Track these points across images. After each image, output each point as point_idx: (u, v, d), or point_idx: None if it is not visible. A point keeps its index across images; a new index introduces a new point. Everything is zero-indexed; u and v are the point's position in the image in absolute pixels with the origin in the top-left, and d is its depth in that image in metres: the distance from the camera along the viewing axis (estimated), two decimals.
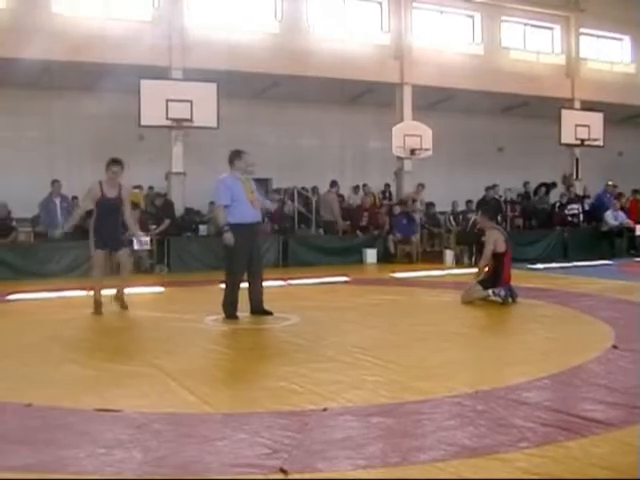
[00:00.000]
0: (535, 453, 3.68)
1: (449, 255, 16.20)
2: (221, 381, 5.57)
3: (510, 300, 9.37)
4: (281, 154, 20.01)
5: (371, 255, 16.36)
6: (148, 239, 9.61)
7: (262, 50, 17.29)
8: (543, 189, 20.22)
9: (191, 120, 15.40)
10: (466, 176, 20.83)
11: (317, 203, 17.79)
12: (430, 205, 19.26)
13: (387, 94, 19.07)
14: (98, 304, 8.71)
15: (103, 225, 8.66)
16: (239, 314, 8.34)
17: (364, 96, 20.01)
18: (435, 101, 20.38)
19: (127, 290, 9.20)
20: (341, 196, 19.36)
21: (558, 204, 19.09)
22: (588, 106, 20.73)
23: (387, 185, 20.05)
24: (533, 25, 22.07)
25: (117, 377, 5.53)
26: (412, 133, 18.03)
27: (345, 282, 12.68)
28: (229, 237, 8.22)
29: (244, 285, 8.50)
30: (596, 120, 19.84)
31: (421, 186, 18.44)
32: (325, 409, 4.49)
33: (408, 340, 7.09)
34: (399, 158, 18.73)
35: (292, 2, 18.44)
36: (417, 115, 18.80)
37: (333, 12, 19.22)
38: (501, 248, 9.67)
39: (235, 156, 8.49)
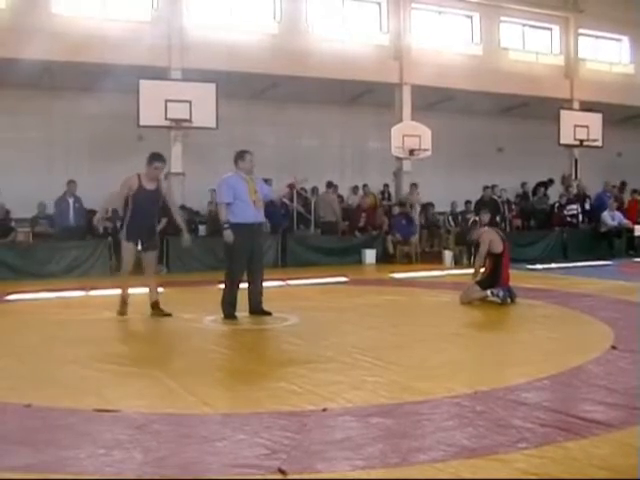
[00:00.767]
0: (534, 454, 3.68)
1: (448, 256, 16.21)
2: (220, 381, 5.57)
3: (509, 300, 9.38)
4: (280, 154, 19.99)
5: (370, 255, 16.36)
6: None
7: (261, 50, 17.29)
8: (542, 190, 20.24)
9: (190, 120, 15.40)
10: (465, 176, 20.83)
11: (316, 204, 17.80)
12: (429, 205, 19.26)
13: (386, 94, 19.07)
14: (124, 304, 8.47)
15: (138, 219, 8.36)
16: (238, 314, 8.34)
17: (363, 96, 20.01)
18: (434, 101, 20.38)
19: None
20: (340, 196, 19.41)
21: (557, 204, 19.10)
22: (587, 107, 20.74)
23: (386, 185, 20.06)
24: (532, 26, 22.07)
25: (117, 377, 5.54)
26: (411, 133, 18.03)
27: (344, 282, 12.69)
28: (228, 234, 8.24)
29: (244, 285, 8.51)
30: (595, 121, 19.85)
31: (415, 186, 18.39)
32: (324, 410, 4.50)
33: (407, 341, 7.10)
34: (398, 158, 18.73)
35: (291, 3, 18.44)
36: (416, 115, 18.80)
37: (332, 13, 19.22)
38: (498, 248, 9.66)
39: (238, 157, 8.55)
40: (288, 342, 6.98)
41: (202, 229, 16.31)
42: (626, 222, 18.01)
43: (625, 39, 23.55)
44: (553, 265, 15.35)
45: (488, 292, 9.46)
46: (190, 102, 15.22)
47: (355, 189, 19.66)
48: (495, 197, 18.50)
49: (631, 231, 17.85)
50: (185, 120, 15.40)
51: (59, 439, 4.02)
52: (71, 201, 15.06)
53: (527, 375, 5.36)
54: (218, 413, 4.53)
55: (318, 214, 17.78)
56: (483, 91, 19.54)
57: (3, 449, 3.87)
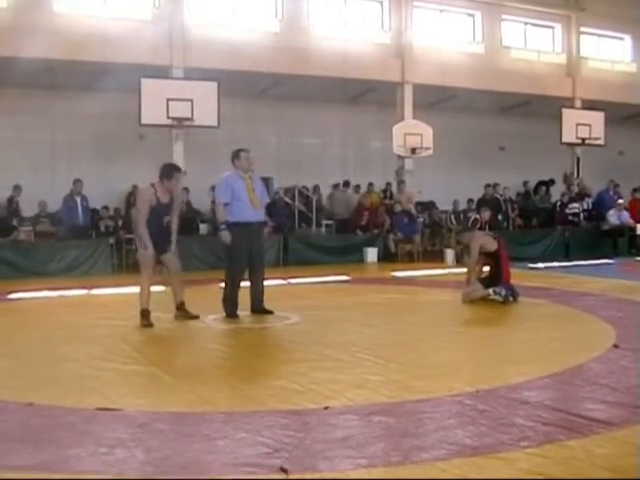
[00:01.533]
0: (536, 452, 3.68)
1: (450, 254, 16.19)
2: (222, 380, 5.57)
3: (511, 299, 9.37)
4: (282, 153, 20.02)
5: (372, 254, 16.35)
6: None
7: (263, 49, 17.29)
8: (543, 188, 20.25)
9: (192, 119, 15.39)
10: (467, 175, 20.81)
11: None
12: (432, 204, 19.26)
13: (388, 93, 19.06)
14: (146, 314, 7.89)
15: (152, 229, 7.95)
16: (240, 313, 8.35)
17: (365, 95, 20.00)
18: (436, 100, 20.37)
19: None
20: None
21: (559, 203, 19.09)
22: (589, 105, 20.74)
23: (388, 184, 20.04)
24: (534, 24, 22.06)
25: (119, 376, 5.54)
26: (413, 132, 18.03)
27: (346, 281, 12.68)
28: (225, 235, 8.26)
29: (245, 284, 8.51)
30: (597, 119, 19.83)
31: (403, 183, 18.32)
32: (326, 408, 4.50)
33: (409, 339, 7.09)
34: (400, 157, 18.73)
35: (293, 1, 18.45)
36: (418, 114, 18.80)
37: (334, 11, 19.21)
38: (492, 246, 9.66)
39: (234, 156, 8.53)
40: (290, 341, 6.98)
41: (203, 228, 16.31)
42: (630, 221, 17.96)
43: (627, 37, 23.53)
44: (555, 264, 15.33)
45: (490, 291, 9.46)
46: (192, 101, 15.22)
47: (357, 188, 19.63)
48: (497, 195, 18.49)
49: (633, 230, 17.82)
50: (187, 119, 15.40)
51: (61, 438, 4.03)
52: (78, 199, 15.18)
53: (529, 374, 5.36)
54: (220, 412, 4.53)
55: (333, 211, 17.76)
56: (485, 89, 19.53)
57: (5, 448, 3.87)
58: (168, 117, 15.24)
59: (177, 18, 16.76)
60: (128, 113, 15.29)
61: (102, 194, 16.79)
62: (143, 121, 15.14)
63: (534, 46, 21.94)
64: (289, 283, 12.26)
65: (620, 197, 19.10)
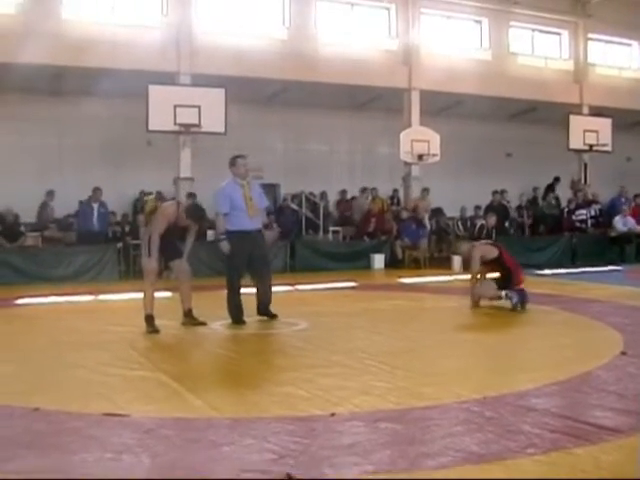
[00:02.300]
0: (543, 460, 3.66)
1: (457, 261, 16.15)
2: (228, 386, 5.57)
3: (519, 308, 9.29)
4: (289, 159, 20.03)
5: (379, 260, 16.34)
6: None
7: (270, 56, 17.31)
8: (551, 195, 20.22)
9: (199, 126, 15.43)
10: (474, 182, 20.77)
11: (325, 208, 17.81)
12: (439, 211, 19.24)
13: (395, 99, 19.06)
14: (150, 319, 7.89)
15: (163, 243, 7.91)
16: (246, 319, 8.36)
17: (372, 102, 20.00)
18: (443, 106, 20.35)
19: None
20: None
21: (566, 210, 19.05)
22: (596, 111, 20.70)
23: (395, 190, 20.05)
24: (541, 30, 22.01)
25: (125, 382, 5.54)
26: (420, 138, 18.04)
27: (353, 287, 12.68)
28: (224, 245, 8.36)
29: (251, 290, 8.54)
30: (604, 125, 19.80)
31: (426, 191, 18.44)
32: (332, 415, 4.49)
33: (416, 346, 7.08)
34: (407, 163, 18.73)
35: (300, 8, 18.47)
36: (425, 120, 18.79)
37: (341, 18, 19.24)
38: (492, 254, 9.63)
39: (231, 163, 8.62)
40: (296, 347, 6.98)
41: (211, 234, 16.31)
42: (637, 227, 17.90)
43: (635, 44, 23.47)
44: (562, 270, 15.29)
45: (502, 293, 9.39)
46: (199, 107, 15.26)
47: (364, 191, 19.64)
48: (504, 202, 18.45)
49: None
50: (194, 125, 15.43)
51: (67, 443, 4.03)
52: (96, 206, 15.37)
53: (536, 381, 5.34)
54: (226, 418, 4.52)
55: (354, 217, 17.75)
56: (492, 96, 19.51)
57: (11, 453, 3.87)
58: (175, 123, 15.28)
59: (185, 24, 16.80)
60: (135, 119, 15.33)
61: (109, 200, 16.80)
62: (150, 127, 15.18)
63: (541, 52, 21.90)
64: (296, 289, 12.26)
65: (631, 202, 19.08)
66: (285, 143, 20.36)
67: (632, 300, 10.13)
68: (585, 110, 21.29)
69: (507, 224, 17.86)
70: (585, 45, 22.09)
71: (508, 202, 18.73)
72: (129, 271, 14.58)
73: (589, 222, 18.70)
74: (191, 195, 15.80)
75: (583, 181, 20.72)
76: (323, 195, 19.34)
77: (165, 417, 4.52)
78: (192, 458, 3.75)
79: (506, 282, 9.50)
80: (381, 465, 3.65)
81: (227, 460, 3.74)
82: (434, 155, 18.09)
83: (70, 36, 15.38)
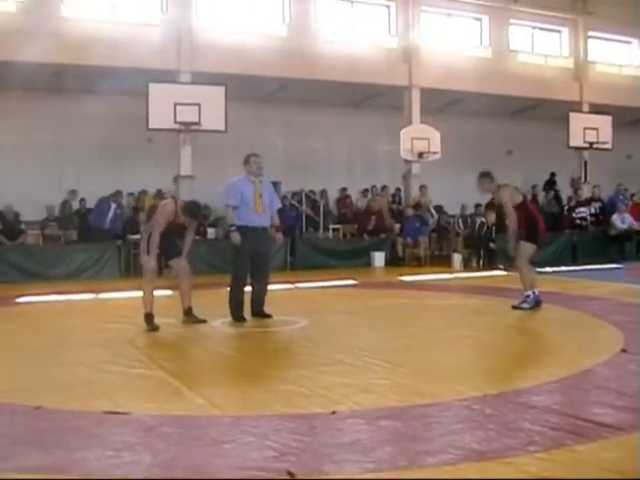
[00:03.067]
0: (544, 457, 3.66)
1: (457, 259, 16.18)
2: (229, 384, 5.57)
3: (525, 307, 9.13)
4: (289, 157, 20.02)
5: (379, 258, 16.34)
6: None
7: (270, 53, 17.31)
8: (552, 193, 20.22)
9: (199, 123, 15.43)
10: (474, 179, 20.69)
11: (325, 206, 17.80)
12: (437, 208, 19.24)
13: (395, 97, 19.07)
14: (150, 317, 7.91)
15: (163, 240, 7.94)
16: (245, 316, 8.37)
17: (372, 99, 20.00)
18: (443, 104, 20.36)
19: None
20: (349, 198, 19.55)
21: (567, 207, 19.05)
22: (596, 109, 20.69)
23: (398, 189, 20.04)
24: (541, 28, 22.04)
25: (126, 380, 5.55)
26: (420, 136, 18.04)
27: (353, 285, 12.68)
28: (235, 236, 8.33)
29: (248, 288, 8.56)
30: (604, 123, 19.80)
31: (425, 188, 18.46)
32: (333, 412, 4.49)
33: (416, 343, 7.08)
34: (407, 161, 18.73)
35: (300, 5, 18.47)
36: (425, 118, 18.79)
37: (341, 15, 19.23)
38: (518, 199, 9.32)
39: (245, 161, 8.65)
40: (297, 344, 6.98)
41: (211, 232, 16.33)
42: (635, 224, 17.90)
43: (635, 41, 23.50)
44: (562, 268, 15.29)
45: (534, 292, 9.11)
46: (199, 105, 15.26)
47: (365, 192, 19.65)
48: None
49: None
50: (194, 123, 15.44)
51: (68, 441, 4.03)
52: (113, 206, 15.48)
53: (536, 378, 5.34)
54: (227, 415, 4.53)
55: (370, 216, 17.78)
56: (492, 93, 19.53)
57: (13, 450, 3.88)
58: (175, 121, 15.28)
59: (185, 22, 16.81)
60: (136, 117, 15.33)
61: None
62: (151, 125, 15.18)
63: (541, 50, 21.92)
64: (297, 287, 12.26)
65: (628, 201, 19.07)
66: (285, 141, 20.35)
67: (633, 298, 10.13)
68: (585, 108, 21.31)
69: (507, 221, 17.83)
70: (585, 43, 22.10)
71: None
72: (129, 268, 14.57)
73: (589, 220, 18.69)
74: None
75: (583, 179, 20.73)
76: (323, 193, 19.34)
77: (166, 415, 4.52)
78: (193, 456, 3.76)
79: (532, 233, 9.12)
80: (382, 463, 3.65)
81: (228, 458, 3.75)
82: (434, 153, 18.10)
83: (70, 34, 15.38)
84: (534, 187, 20.99)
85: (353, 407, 4.63)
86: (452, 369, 5.80)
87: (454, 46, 20.28)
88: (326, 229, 17.95)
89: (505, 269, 15.07)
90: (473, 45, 20.82)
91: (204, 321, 8.22)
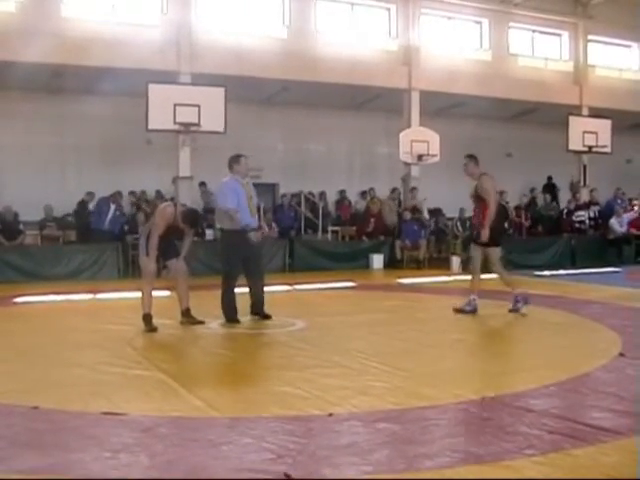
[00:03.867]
0: (542, 461, 3.67)
1: (456, 261, 16.16)
2: (227, 385, 5.57)
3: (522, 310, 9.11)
4: (288, 159, 20.03)
5: (377, 260, 16.33)
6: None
7: (270, 55, 17.31)
8: (549, 196, 20.23)
9: (199, 125, 15.41)
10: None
11: (324, 208, 17.78)
12: (436, 211, 19.24)
13: (395, 100, 19.06)
14: (148, 318, 7.89)
15: (162, 241, 7.92)
16: (240, 318, 8.36)
17: (372, 102, 19.99)
18: (443, 107, 20.36)
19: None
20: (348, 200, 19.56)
21: (566, 211, 19.06)
22: (596, 113, 20.69)
23: (398, 193, 20.01)
24: (541, 32, 22.03)
25: (123, 381, 5.55)
26: (419, 139, 18.04)
27: (351, 288, 12.68)
28: (254, 235, 8.36)
29: (244, 289, 8.55)
30: (604, 127, 19.79)
31: (415, 190, 18.46)
32: (331, 415, 4.49)
33: (414, 346, 7.08)
34: (406, 164, 18.73)
35: (300, 8, 18.46)
36: (425, 121, 18.79)
37: (341, 18, 19.23)
38: (496, 194, 9.25)
39: (234, 161, 8.56)
40: (295, 347, 6.97)
41: (209, 233, 16.32)
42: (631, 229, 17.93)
43: (634, 45, 23.50)
44: (561, 272, 15.29)
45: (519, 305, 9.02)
46: (199, 106, 15.24)
47: (364, 194, 19.64)
48: (503, 203, 18.42)
49: (639, 238, 17.78)
50: (194, 124, 15.42)
51: (66, 442, 4.03)
52: (113, 207, 15.50)
53: (534, 382, 5.34)
54: (224, 417, 4.53)
55: (384, 218, 17.78)
56: (492, 97, 19.52)
57: (10, 451, 3.88)
58: (175, 122, 15.26)
59: (185, 23, 16.79)
60: (135, 118, 15.31)
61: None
62: (150, 126, 15.16)
63: (541, 53, 21.91)
64: (295, 289, 12.26)
65: (627, 205, 19.08)
66: (284, 143, 20.35)
67: (631, 302, 10.14)
68: (585, 111, 21.30)
69: (506, 224, 17.84)
70: (585, 46, 22.10)
71: (507, 202, 18.71)
72: (128, 269, 14.54)
73: (588, 223, 18.69)
74: (202, 184, 15.91)
75: (582, 182, 20.74)
76: (322, 195, 19.35)
77: (163, 416, 4.52)
78: (190, 457, 3.76)
79: (496, 235, 8.97)
80: (379, 465, 3.65)
81: (225, 459, 3.75)
82: (433, 155, 18.09)
83: (70, 35, 15.36)
84: (532, 190, 21.01)
85: (350, 409, 4.64)
86: (450, 372, 5.81)
87: (454, 49, 20.27)
88: (325, 231, 17.94)
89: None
90: (473, 48, 20.81)
91: (202, 322, 8.23)
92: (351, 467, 3.62)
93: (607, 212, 18.90)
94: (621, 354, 6.35)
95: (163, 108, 14.94)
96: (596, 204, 19.48)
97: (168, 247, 8.14)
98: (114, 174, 17.46)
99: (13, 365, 6.15)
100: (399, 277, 14.12)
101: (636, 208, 19.02)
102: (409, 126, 18.73)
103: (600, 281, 13.24)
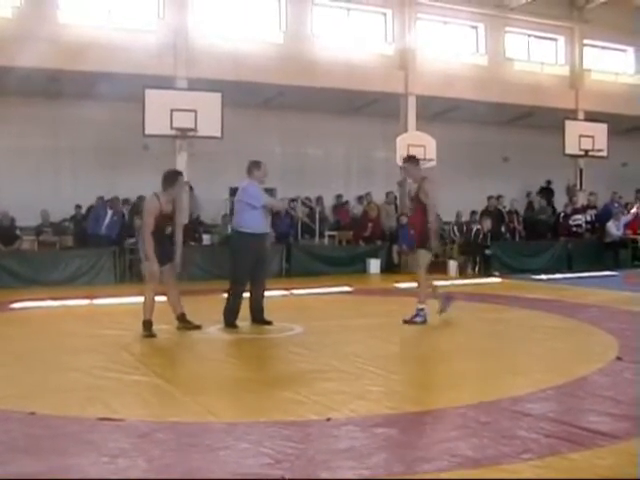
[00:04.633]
0: (539, 465, 3.67)
1: (452, 265, 16.18)
2: (224, 390, 5.57)
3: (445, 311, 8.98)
4: (285, 164, 19.99)
5: (374, 265, 16.34)
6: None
7: (266, 60, 17.33)
8: (544, 200, 20.27)
9: (195, 130, 15.41)
10: (470, 186, 20.78)
11: (321, 213, 17.77)
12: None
13: (391, 104, 19.08)
14: (149, 325, 7.88)
15: (159, 239, 7.90)
16: (239, 323, 8.35)
17: (368, 106, 20.01)
18: (439, 111, 20.39)
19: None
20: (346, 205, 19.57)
21: (562, 215, 19.08)
22: (592, 117, 20.74)
23: (395, 197, 20.03)
24: (537, 36, 22.10)
25: (120, 386, 5.54)
26: (416, 143, 18.03)
27: (349, 292, 12.68)
28: (296, 206, 8.41)
29: (245, 295, 8.54)
30: (600, 131, 19.84)
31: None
32: (328, 419, 4.49)
33: (412, 351, 7.09)
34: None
35: (296, 12, 18.49)
36: (421, 125, 18.80)
37: (337, 22, 19.27)
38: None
39: (254, 166, 8.69)
40: (292, 352, 6.97)
41: (206, 238, 16.32)
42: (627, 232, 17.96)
43: (630, 50, 23.57)
44: (558, 275, 15.31)
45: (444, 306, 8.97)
46: (195, 111, 15.23)
47: (360, 199, 19.66)
48: (500, 207, 18.47)
49: (636, 242, 17.81)
50: (190, 129, 15.41)
51: (63, 447, 4.03)
52: (109, 212, 15.53)
53: (532, 386, 5.35)
54: (222, 422, 4.52)
55: (383, 222, 17.80)
56: (488, 101, 19.55)
57: (7, 457, 3.87)
58: (172, 128, 15.25)
59: (181, 28, 16.80)
60: (132, 123, 15.29)
61: None
62: (147, 131, 15.14)
63: (537, 58, 21.98)
64: (292, 294, 12.26)
65: (623, 209, 19.12)
66: (281, 147, 20.33)
67: (628, 305, 10.15)
68: (581, 115, 21.35)
69: (503, 229, 17.87)
70: (581, 51, 22.17)
71: (504, 207, 18.75)
72: (125, 274, 14.54)
73: (585, 227, 18.72)
74: (191, 189, 16.02)
75: (579, 186, 20.76)
76: (319, 199, 19.35)
77: (161, 421, 4.52)
78: (188, 462, 3.75)
79: (426, 238, 8.86)
80: (377, 469, 3.65)
81: (223, 464, 3.74)
82: (430, 160, 18.08)
83: (67, 40, 15.37)
84: (528, 194, 21.05)
85: (348, 414, 4.64)
86: (447, 376, 5.81)
87: (450, 54, 20.31)
88: (322, 236, 17.94)
89: (500, 276, 15.14)
90: (469, 53, 20.86)
91: (199, 327, 8.22)
92: (349, 471, 3.62)
93: (603, 216, 18.92)
94: (618, 358, 6.36)
95: (160, 113, 14.93)
96: (593, 208, 19.51)
97: (162, 251, 8.04)
98: (111, 179, 17.44)
99: (10, 370, 6.14)
100: (396, 282, 14.11)
101: (633, 210, 19.04)
102: (406, 130, 18.74)
103: (597, 285, 13.26)
